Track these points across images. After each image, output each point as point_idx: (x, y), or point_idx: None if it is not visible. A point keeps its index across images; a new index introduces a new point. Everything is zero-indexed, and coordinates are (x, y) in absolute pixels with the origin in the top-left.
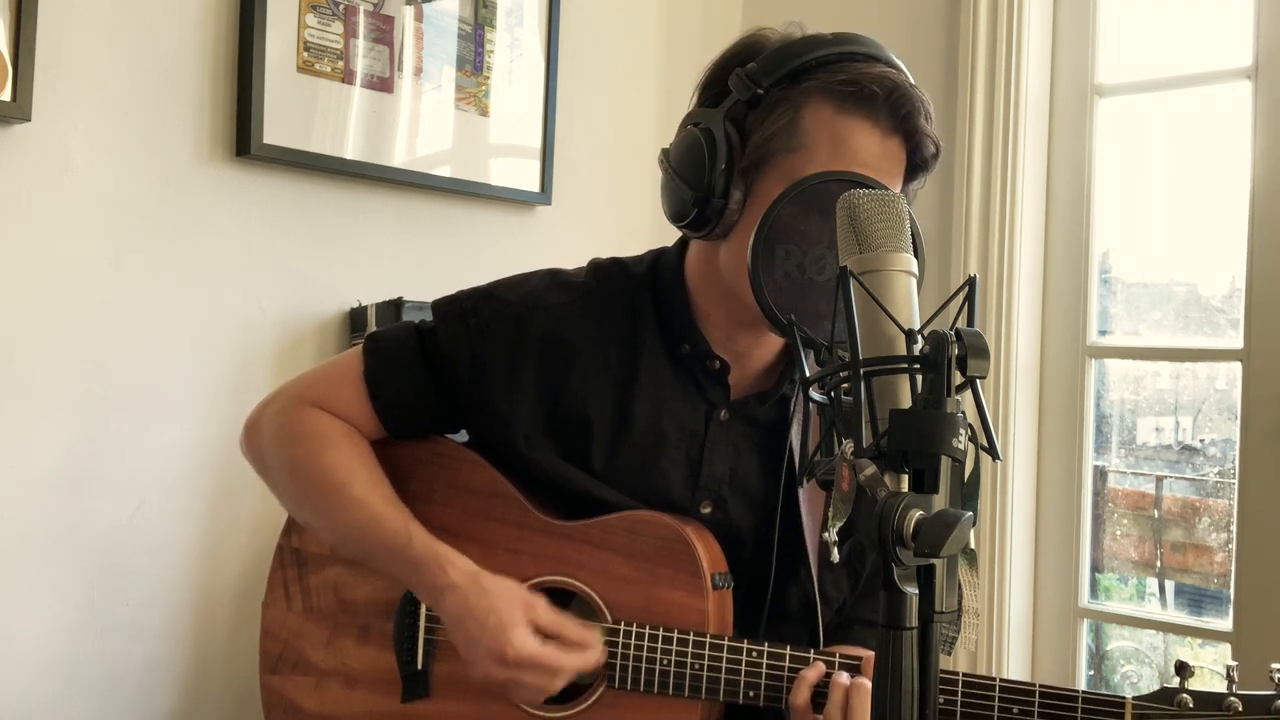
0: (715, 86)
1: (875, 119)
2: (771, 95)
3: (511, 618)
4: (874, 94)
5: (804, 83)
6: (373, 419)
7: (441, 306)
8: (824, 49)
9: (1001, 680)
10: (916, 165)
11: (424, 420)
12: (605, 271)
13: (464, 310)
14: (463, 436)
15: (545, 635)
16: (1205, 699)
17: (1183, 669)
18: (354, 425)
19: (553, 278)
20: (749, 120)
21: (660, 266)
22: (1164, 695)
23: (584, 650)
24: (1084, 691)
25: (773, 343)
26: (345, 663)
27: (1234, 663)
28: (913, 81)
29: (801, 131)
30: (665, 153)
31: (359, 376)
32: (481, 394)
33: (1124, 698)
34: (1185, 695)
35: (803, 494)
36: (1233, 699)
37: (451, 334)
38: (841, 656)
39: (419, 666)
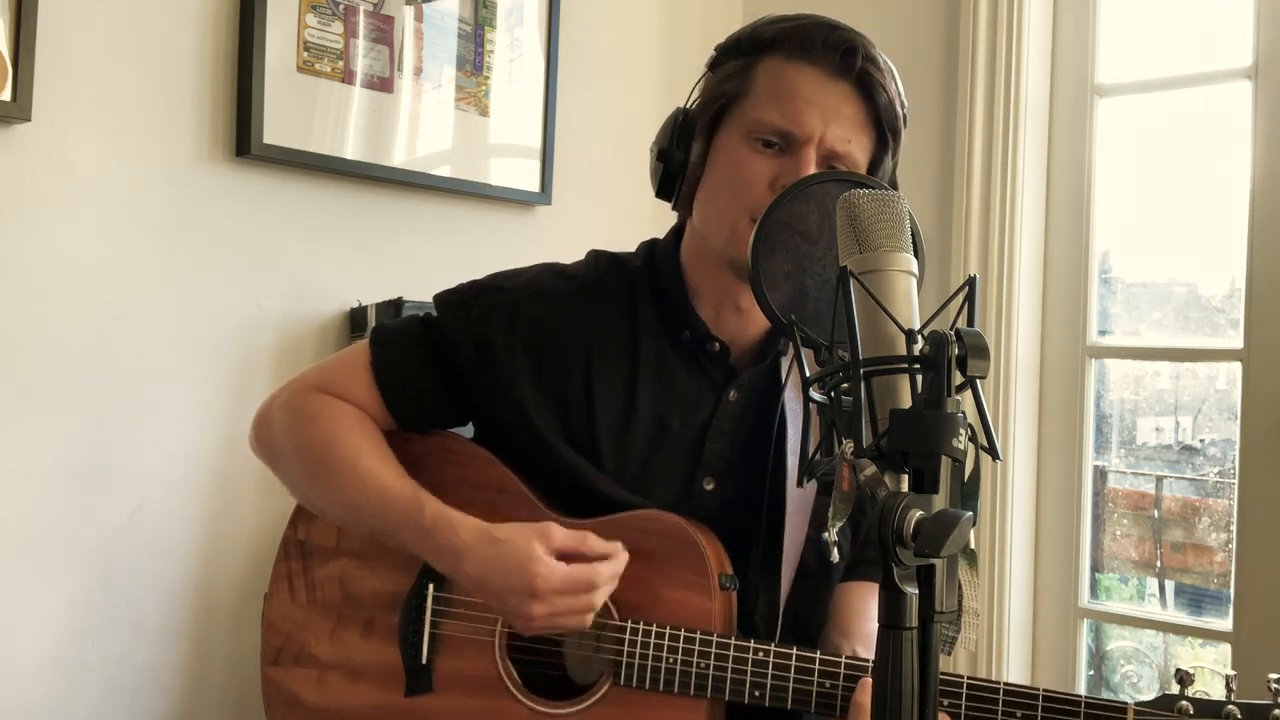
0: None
1: (815, 62)
2: (734, 61)
3: (530, 552)
4: (812, 38)
5: (761, 44)
6: (381, 409)
7: (443, 298)
8: (787, 22)
9: (1005, 685)
10: (884, 126)
11: (431, 409)
12: (604, 264)
13: (465, 300)
14: (469, 432)
15: (569, 557)
16: (1205, 706)
17: (1184, 678)
18: None
19: (552, 269)
20: (709, 82)
21: (655, 254)
22: (1165, 702)
23: (611, 558)
24: (1086, 697)
25: (759, 322)
26: (348, 656)
27: (1233, 671)
28: (874, 51)
29: (752, 79)
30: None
31: (366, 367)
32: (489, 376)
33: (1126, 704)
34: (1185, 702)
35: (793, 458)
36: (1232, 706)
37: (455, 322)
38: (848, 659)
39: (423, 661)
